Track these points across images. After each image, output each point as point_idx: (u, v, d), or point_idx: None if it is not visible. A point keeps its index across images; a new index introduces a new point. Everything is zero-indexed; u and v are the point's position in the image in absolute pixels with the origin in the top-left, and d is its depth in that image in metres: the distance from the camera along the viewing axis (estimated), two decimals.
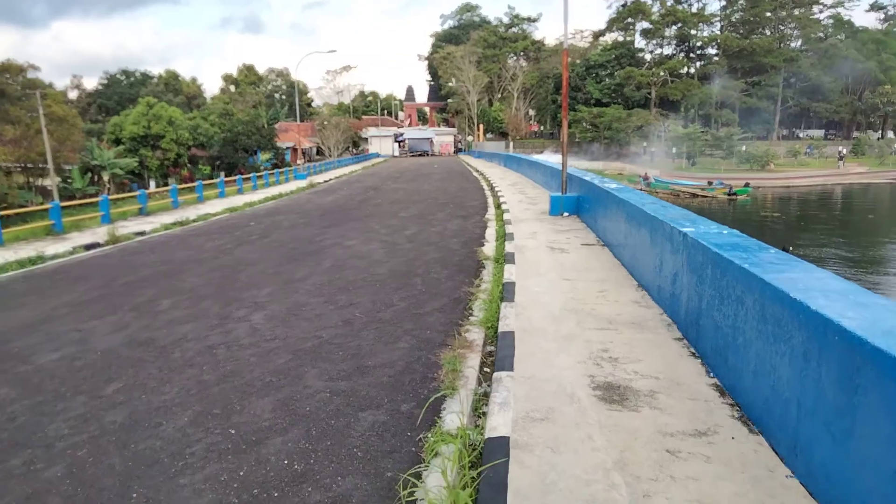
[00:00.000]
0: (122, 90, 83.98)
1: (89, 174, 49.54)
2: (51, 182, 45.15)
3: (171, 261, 12.22)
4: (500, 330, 6.22)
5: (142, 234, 17.21)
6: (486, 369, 5.60)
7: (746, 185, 48.78)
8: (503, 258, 10.21)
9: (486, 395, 4.89)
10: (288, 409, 4.91)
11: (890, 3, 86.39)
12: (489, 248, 11.76)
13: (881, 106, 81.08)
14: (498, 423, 4.15)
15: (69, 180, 48.93)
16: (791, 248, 22.63)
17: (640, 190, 47.48)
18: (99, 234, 16.29)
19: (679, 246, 6.10)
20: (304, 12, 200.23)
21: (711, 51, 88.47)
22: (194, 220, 19.50)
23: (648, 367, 5.13)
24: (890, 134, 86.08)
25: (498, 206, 18.61)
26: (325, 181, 37.89)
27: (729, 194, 47.18)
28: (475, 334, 6.50)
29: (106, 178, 51.53)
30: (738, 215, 39.92)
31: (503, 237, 12.49)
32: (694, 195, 48.00)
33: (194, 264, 11.68)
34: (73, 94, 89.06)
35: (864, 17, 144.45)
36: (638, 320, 6.38)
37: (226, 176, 52.23)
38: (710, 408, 4.36)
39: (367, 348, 6.26)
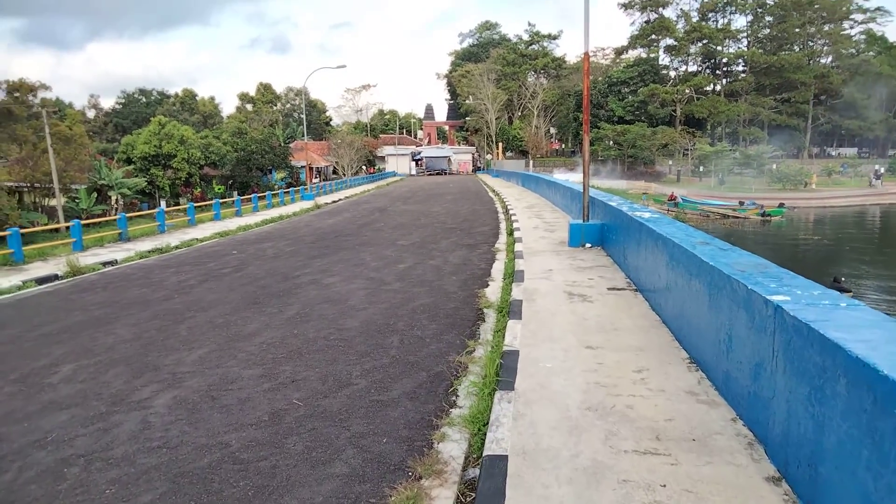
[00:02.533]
0: (138, 109, 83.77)
1: (95, 194, 48.36)
2: (57, 202, 44.00)
3: (116, 302, 10.26)
4: (486, 452, 4.03)
5: (112, 263, 15.42)
6: None
7: (781, 205, 46.04)
8: (507, 307, 8.04)
9: None
10: None
11: None
12: (493, 291, 9.59)
13: None
14: None
15: (77, 200, 47.83)
16: (843, 279, 20.06)
17: (667, 212, 45.26)
18: (63, 263, 14.42)
19: (766, 323, 3.90)
20: (330, 32, 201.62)
21: (738, 67, 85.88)
22: (175, 247, 17.67)
23: None
24: None
25: (511, 233, 16.44)
26: (333, 202, 36.10)
27: (762, 215, 44.48)
28: (454, 445, 4.35)
29: (114, 197, 50.42)
30: (774, 238, 37.24)
31: (512, 275, 10.32)
32: (725, 216, 45.38)
33: (139, 307, 9.68)
34: (91, 114, 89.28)
35: None
36: (700, 433, 4.15)
37: (240, 195, 50.98)
38: None
39: (282, 475, 4.11)
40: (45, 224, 37.02)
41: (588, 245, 12.58)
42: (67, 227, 30.51)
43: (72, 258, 14.83)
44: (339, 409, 5.16)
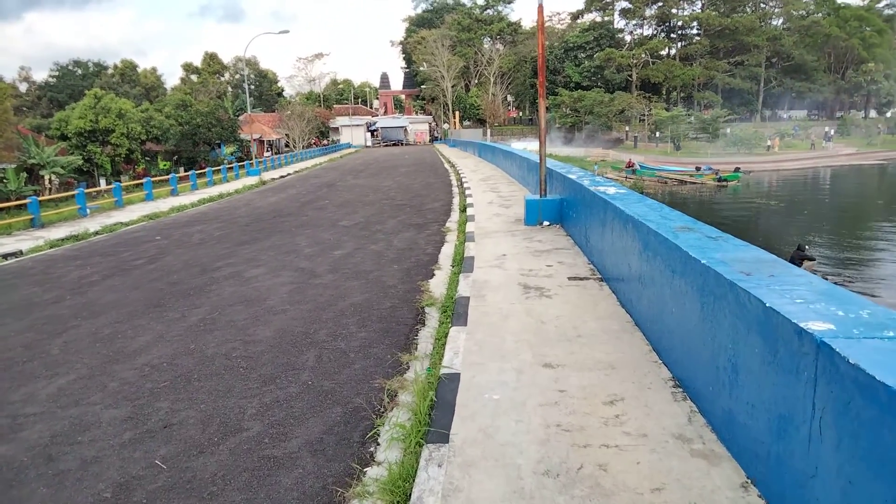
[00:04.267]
0: (74, 82, 78.83)
1: (25, 174, 45.04)
2: None
3: None
4: None
5: (15, 255, 13.59)
6: None
7: (736, 170, 45.83)
8: (452, 306, 6.75)
9: None
10: None
11: None
12: (439, 282, 8.29)
13: (864, 84, 78.72)
14: None
15: (5, 181, 44.50)
16: (807, 248, 19.42)
17: (625, 178, 44.56)
18: None
19: (799, 362, 2.69)
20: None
21: (693, 31, 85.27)
22: (95, 233, 15.84)
23: None
24: (873, 113, 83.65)
25: (464, 210, 15.11)
26: (281, 177, 34.19)
27: (718, 180, 44.15)
28: None
29: (46, 177, 47.15)
30: (731, 204, 36.83)
31: (461, 262, 9.02)
32: (682, 182, 44.95)
33: (18, 314, 8.09)
34: (23, 88, 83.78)
35: None
36: None
37: (187, 170, 48.24)
38: None
39: None
40: None
41: (546, 223, 11.34)
42: None
43: None
44: (213, 475, 3.81)
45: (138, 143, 55.29)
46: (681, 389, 4.32)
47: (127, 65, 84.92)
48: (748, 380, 3.25)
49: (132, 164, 56.17)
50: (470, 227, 11.95)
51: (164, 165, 59.29)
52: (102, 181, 51.83)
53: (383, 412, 4.50)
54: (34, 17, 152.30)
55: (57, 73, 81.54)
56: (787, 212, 32.77)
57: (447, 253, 10.28)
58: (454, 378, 4.69)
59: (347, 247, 11.38)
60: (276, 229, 14.21)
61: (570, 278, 7.51)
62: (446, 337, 5.79)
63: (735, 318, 3.42)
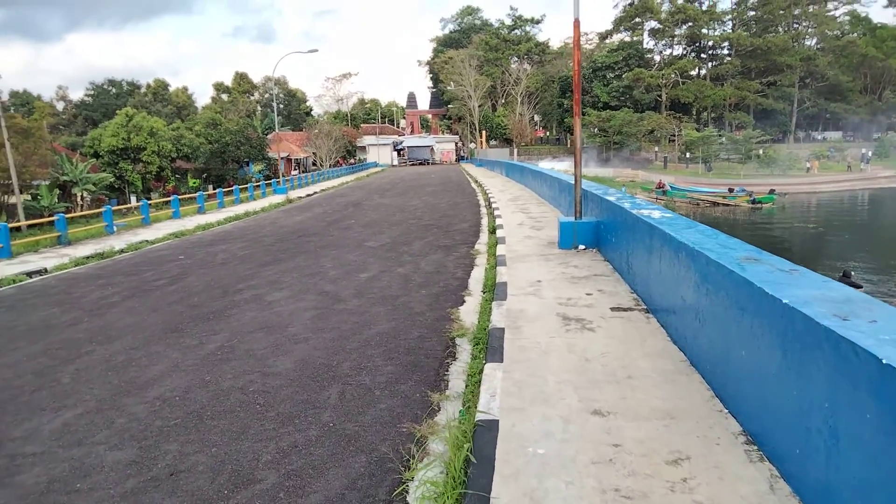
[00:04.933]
0: (108, 101, 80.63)
1: (58, 191, 45.78)
2: (16, 200, 41.39)
3: (11, 328, 8.41)
4: None
5: (39, 273, 13.49)
6: None
7: (771, 191, 44.68)
8: (486, 338, 6.25)
9: None
10: None
11: None
12: (470, 310, 7.79)
13: None
14: None
15: (38, 197, 45.25)
16: (852, 273, 18.50)
17: (656, 200, 43.69)
18: None
19: None
20: (315, 20, 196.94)
21: (724, 51, 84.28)
22: (120, 251, 15.73)
23: None
24: None
25: (493, 231, 14.63)
26: (308, 195, 34.10)
27: (752, 202, 43.05)
28: None
29: (78, 194, 47.88)
30: (766, 227, 35.79)
31: (493, 288, 8.52)
32: (715, 203, 43.96)
33: (33, 336, 7.80)
34: (60, 107, 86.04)
35: (882, 14, 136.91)
36: None
37: (215, 188, 48.60)
38: None
39: None
40: (4, 222, 34.59)
41: (581, 247, 10.79)
42: (30, 226, 28.28)
43: None
44: None
45: (168, 161, 56.04)
46: (755, 448, 3.75)
47: (159, 84, 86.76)
48: (856, 450, 2.69)
49: (162, 181, 56.92)
50: (500, 249, 11.46)
51: (194, 183, 60.02)
52: (133, 198, 52.52)
53: (412, 463, 4.00)
54: (75, 38, 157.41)
55: (92, 93, 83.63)
56: (826, 235, 31.65)
57: (477, 277, 9.79)
58: (492, 426, 4.17)
59: (373, 269, 10.96)
60: (301, 250, 13.88)
61: (612, 309, 6.96)
62: (480, 374, 5.29)
63: (834, 372, 2.87)
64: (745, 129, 69.91)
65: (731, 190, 45.55)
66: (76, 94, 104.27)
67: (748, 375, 4.00)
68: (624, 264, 8.46)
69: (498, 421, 4.24)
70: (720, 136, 68.42)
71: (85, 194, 49.04)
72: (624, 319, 6.56)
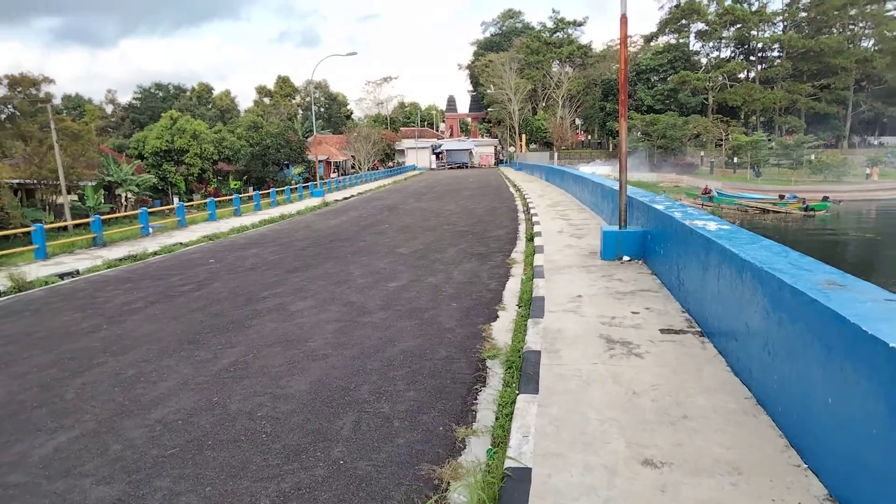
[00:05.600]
0: (155, 104, 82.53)
1: (103, 191, 46.78)
2: (64, 200, 42.38)
3: (30, 334, 8.16)
4: None
5: (72, 274, 13.42)
6: None
7: (825, 198, 42.66)
8: (519, 361, 5.63)
9: None
10: None
11: None
12: (503, 327, 7.18)
13: None
14: None
15: (84, 198, 46.32)
16: None
17: (702, 206, 42.19)
18: (19, 274, 12.31)
19: None
20: (358, 25, 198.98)
21: (774, 53, 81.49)
22: (153, 254, 15.61)
23: None
24: None
25: (531, 239, 13.97)
26: (344, 198, 33.92)
27: (805, 209, 41.16)
28: None
29: (123, 194, 48.88)
30: (820, 236, 34.10)
31: (529, 303, 7.88)
32: (765, 211, 42.25)
33: (49, 344, 7.52)
34: (109, 110, 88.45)
35: None
36: None
37: (256, 190, 49.05)
38: None
39: None
40: (52, 222, 35.39)
41: (626, 258, 10.06)
42: (76, 226, 28.75)
43: (20, 270, 12.81)
44: None
45: (210, 163, 56.86)
46: None
47: (203, 88, 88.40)
48: None
49: (204, 183, 57.79)
50: (538, 259, 10.79)
51: (235, 185, 60.79)
52: (176, 199, 53.40)
53: None
54: (128, 43, 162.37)
55: (139, 96, 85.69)
56: (887, 246, 29.92)
57: (513, 289, 9.16)
58: (524, 476, 3.56)
59: (403, 278, 10.43)
60: (332, 255, 13.46)
61: (662, 331, 6.25)
62: (512, 405, 4.68)
63: None
64: (797, 134, 67.29)
65: (781, 197, 43.73)
66: (125, 98, 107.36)
67: (837, 428, 3.30)
68: (674, 279, 7.72)
69: (531, 470, 3.63)
70: (770, 140, 66.05)
71: (129, 195, 50.07)
72: (676, 344, 5.86)
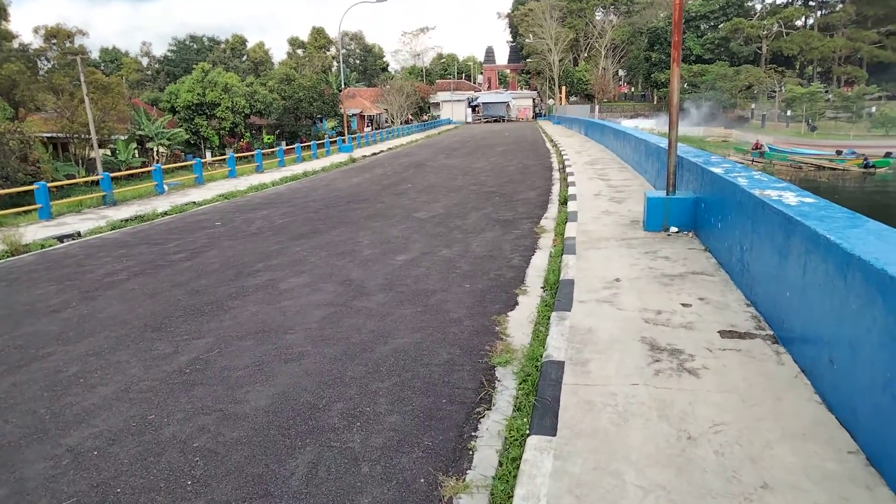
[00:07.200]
0: (189, 57, 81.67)
1: (135, 145, 46.36)
2: (95, 154, 42.08)
3: None
4: None
5: (72, 237, 12.64)
6: None
7: (888, 154, 39.59)
8: (536, 374, 4.37)
9: None
10: None
11: None
12: (522, 320, 5.89)
13: None
14: None
15: (117, 152, 46.04)
16: None
17: (752, 162, 39.54)
18: (16, 237, 11.49)
19: None
20: None
21: None
22: (162, 214, 14.74)
23: None
24: None
25: (564, 202, 12.52)
26: (373, 154, 32.63)
27: (865, 166, 38.23)
28: None
29: (154, 148, 48.47)
30: (883, 194, 31.54)
31: (555, 287, 6.56)
32: (820, 167, 39.47)
33: (2, 327, 6.54)
34: (145, 62, 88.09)
35: None
36: None
37: (288, 144, 48.09)
38: None
39: None
40: (84, 177, 35.07)
41: (674, 230, 8.58)
42: (94, 182, 28.19)
43: (18, 232, 11.98)
44: None
45: (242, 117, 55.97)
46: None
47: (237, 40, 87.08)
48: None
49: (237, 137, 57.07)
50: (570, 229, 9.39)
51: (268, 139, 60.03)
52: (209, 154, 52.94)
53: None
54: None
55: (174, 49, 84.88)
56: None
57: (538, 266, 7.83)
58: None
59: (414, 250, 9.17)
60: (344, 219, 12.28)
61: (723, 333, 4.88)
62: (521, 446, 3.45)
63: None
64: (857, 85, 62.75)
65: (839, 152, 40.74)
66: (160, 51, 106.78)
67: None
68: (735, 261, 6.27)
69: None
70: (827, 91, 61.79)
71: (161, 149, 49.68)
72: (742, 354, 4.49)
